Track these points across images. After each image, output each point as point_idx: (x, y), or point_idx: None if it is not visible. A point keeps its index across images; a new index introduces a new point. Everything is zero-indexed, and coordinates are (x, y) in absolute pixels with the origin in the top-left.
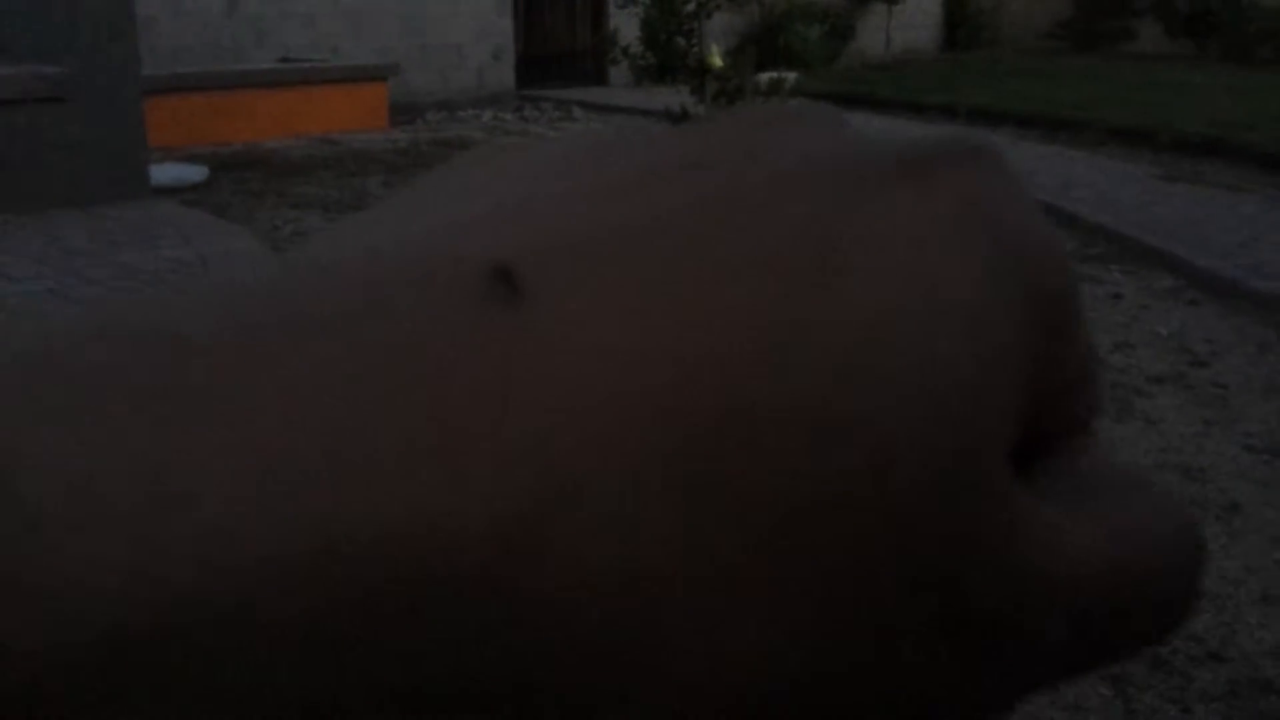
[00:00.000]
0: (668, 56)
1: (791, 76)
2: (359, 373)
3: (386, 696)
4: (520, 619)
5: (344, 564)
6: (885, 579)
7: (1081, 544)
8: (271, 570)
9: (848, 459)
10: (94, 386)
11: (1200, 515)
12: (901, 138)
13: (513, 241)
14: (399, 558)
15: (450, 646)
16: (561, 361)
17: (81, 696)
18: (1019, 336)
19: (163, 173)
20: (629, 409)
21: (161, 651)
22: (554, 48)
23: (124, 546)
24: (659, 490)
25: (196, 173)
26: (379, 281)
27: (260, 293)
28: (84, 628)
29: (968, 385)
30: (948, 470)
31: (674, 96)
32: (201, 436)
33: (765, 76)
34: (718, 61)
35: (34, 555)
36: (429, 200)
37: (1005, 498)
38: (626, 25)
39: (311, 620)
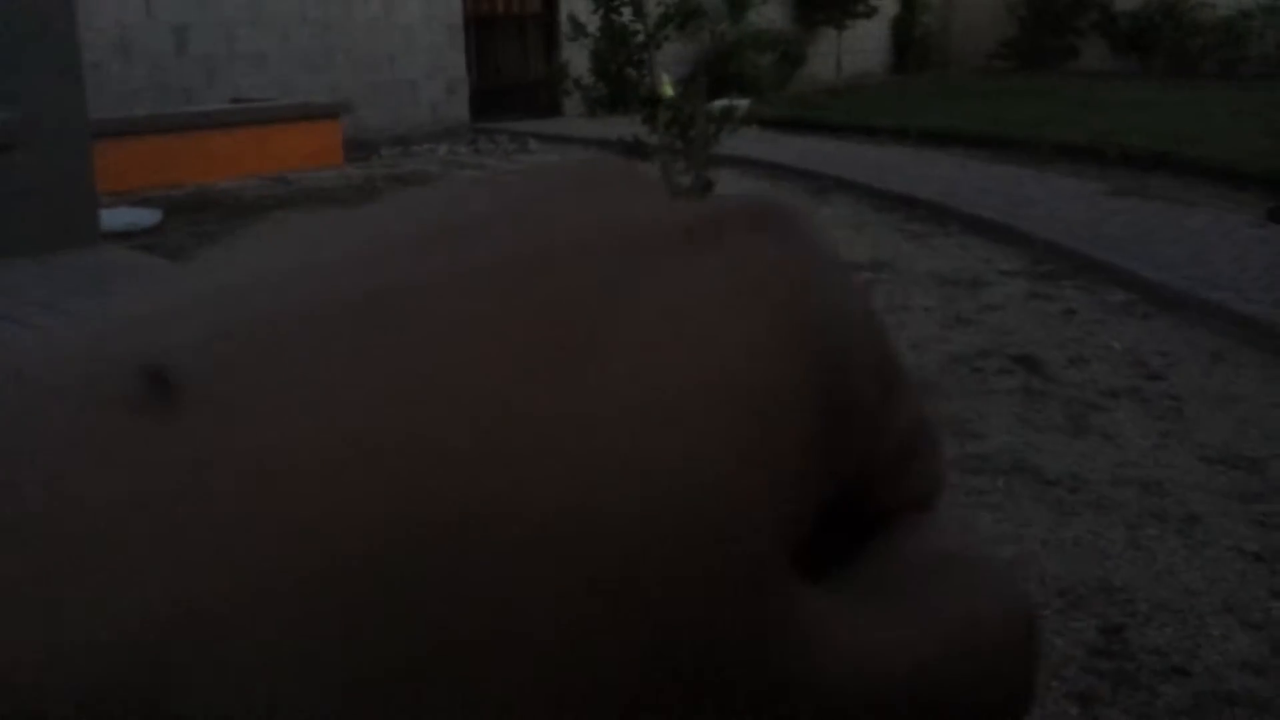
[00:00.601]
0: (619, 87)
1: (744, 103)
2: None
3: None
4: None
5: None
6: (647, 690)
7: (885, 645)
8: None
9: (581, 568)
10: None
11: (1160, 528)
12: (714, 199)
13: (183, 335)
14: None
15: None
16: (213, 474)
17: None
18: (804, 414)
19: (114, 217)
20: (284, 525)
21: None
22: (507, 80)
23: None
24: (316, 622)
25: (149, 216)
26: (37, 388)
27: None
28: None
29: (730, 477)
30: (707, 574)
31: (628, 126)
32: None
33: (718, 104)
34: (669, 91)
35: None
36: (136, 294)
37: (779, 599)
38: (578, 57)
39: None
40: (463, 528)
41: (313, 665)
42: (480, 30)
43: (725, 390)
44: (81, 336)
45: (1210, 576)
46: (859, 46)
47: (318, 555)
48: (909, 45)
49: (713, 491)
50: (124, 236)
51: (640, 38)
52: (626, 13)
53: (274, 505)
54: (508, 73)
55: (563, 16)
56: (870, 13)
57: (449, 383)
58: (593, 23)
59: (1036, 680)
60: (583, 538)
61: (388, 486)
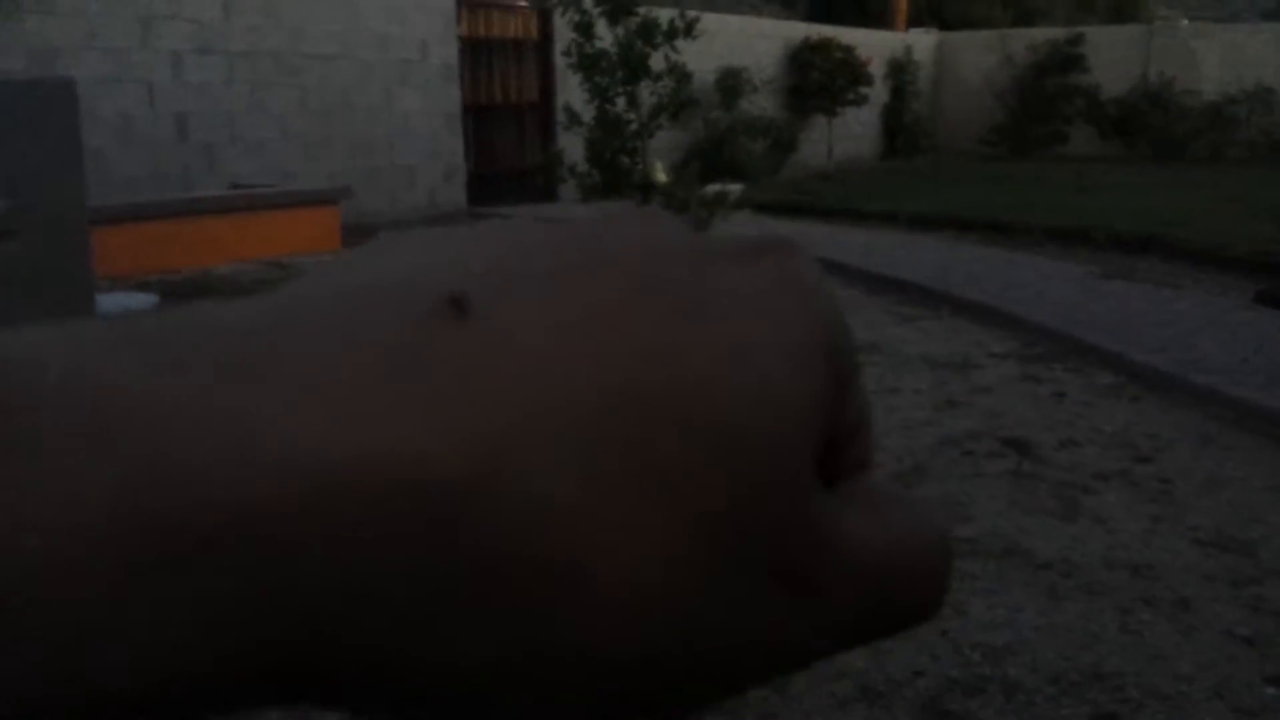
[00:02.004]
0: (613, 174)
1: (736, 188)
2: (367, 360)
3: (401, 579)
4: (480, 523)
5: (370, 476)
6: (737, 532)
7: (863, 534)
8: (325, 481)
9: (709, 441)
10: (197, 360)
11: (1151, 613)
12: (729, 233)
13: (462, 278)
14: (399, 478)
15: (430, 540)
16: (505, 358)
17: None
18: (825, 377)
19: (110, 303)
20: (553, 392)
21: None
22: (504, 166)
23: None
24: (576, 449)
25: (145, 301)
26: (360, 304)
27: (275, 310)
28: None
29: (795, 402)
30: (779, 460)
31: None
32: (268, 391)
33: (711, 189)
34: (662, 178)
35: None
36: (383, 255)
37: (811, 491)
38: (573, 145)
39: (344, 523)
40: (646, 406)
41: (576, 478)
42: (478, 118)
43: (789, 346)
44: (376, 274)
45: (1201, 662)
46: (850, 133)
47: (585, 410)
48: (899, 132)
49: (791, 407)
50: None
51: (634, 126)
52: (620, 103)
53: (551, 377)
54: (504, 159)
55: (559, 105)
56: (861, 100)
57: (627, 322)
58: (588, 112)
59: (949, 587)
60: (711, 423)
61: (609, 377)
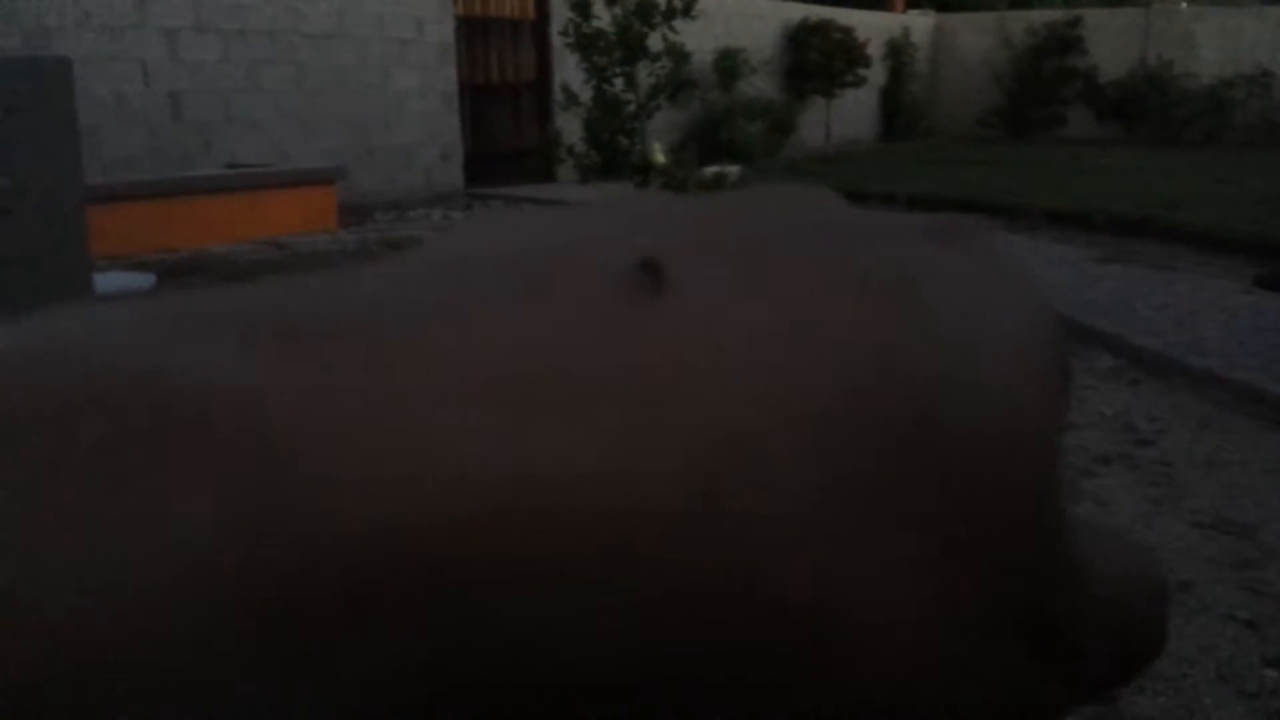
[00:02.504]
0: (611, 155)
1: (735, 169)
2: (550, 343)
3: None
4: (705, 548)
5: (561, 495)
6: (997, 568)
7: (1100, 570)
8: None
9: (964, 457)
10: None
11: None
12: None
13: (651, 244)
14: (596, 503)
15: (643, 569)
16: (722, 342)
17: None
18: (1058, 379)
19: (107, 282)
20: (788, 388)
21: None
22: (501, 147)
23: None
24: (819, 462)
25: (143, 281)
26: (541, 270)
27: (416, 280)
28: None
29: (1043, 410)
30: (1037, 481)
31: (620, 192)
32: (428, 385)
33: (709, 170)
34: (660, 158)
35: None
36: (513, 225)
37: (1065, 517)
38: (571, 125)
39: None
40: (868, 408)
41: (845, 482)
42: (475, 98)
43: (1025, 345)
44: (565, 234)
45: (1203, 645)
46: (848, 114)
47: (804, 408)
48: (897, 114)
49: (1033, 421)
50: None
51: (632, 107)
52: (618, 83)
53: (767, 367)
54: (502, 139)
55: (556, 85)
56: (859, 82)
57: (846, 303)
58: (585, 92)
59: (1166, 642)
60: (943, 427)
61: (854, 368)
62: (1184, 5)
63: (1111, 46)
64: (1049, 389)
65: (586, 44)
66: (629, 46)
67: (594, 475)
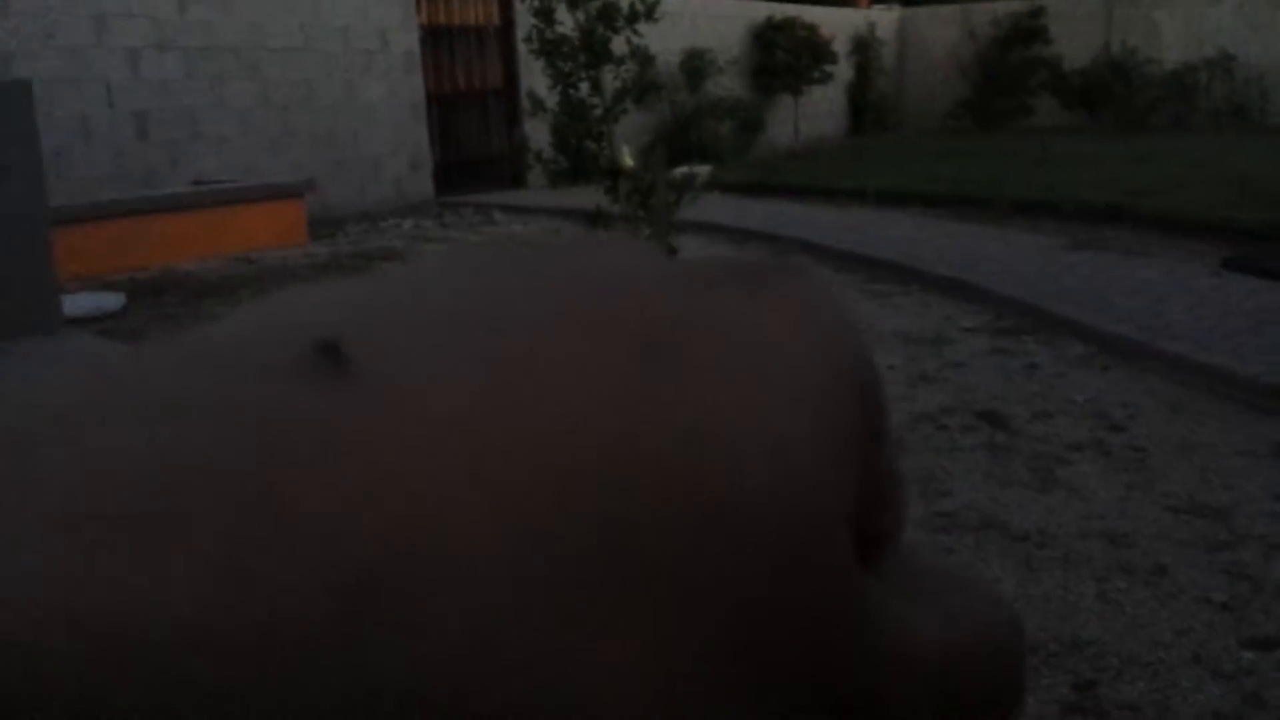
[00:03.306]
0: (580, 160)
1: (705, 169)
2: (183, 447)
3: None
4: (367, 666)
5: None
6: (766, 639)
7: (919, 625)
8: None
9: (709, 518)
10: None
11: (1128, 580)
12: (719, 258)
13: (341, 321)
14: (231, 628)
15: (309, 689)
16: (391, 427)
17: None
18: (854, 430)
19: (77, 303)
20: (477, 468)
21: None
22: (470, 154)
23: None
24: (502, 546)
25: (112, 300)
26: (220, 361)
27: (116, 377)
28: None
29: (822, 465)
30: (809, 540)
31: (590, 196)
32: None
33: (679, 171)
34: (629, 162)
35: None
36: (279, 302)
37: (853, 576)
38: (539, 131)
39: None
40: (602, 479)
41: (504, 584)
42: (443, 106)
43: (799, 390)
44: (255, 319)
45: (1179, 628)
46: (816, 111)
47: (507, 486)
48: (865, 109)
49: (807, 476)
50: (88, 321)
51: (598, 111)
52: (584, 88)
53: (456, 450)
54: (471, 147)
55: (523, 92)
56: (826, 79)
57: (571, 369)
58: (552, 98)
59: (1025, 679)
60: (687, 494)
61: (571, 435)
62: None
63: (1075, 35)
64: (833, 447)
65: (551, 50)
66: (593, 51)
67: (196, 605)
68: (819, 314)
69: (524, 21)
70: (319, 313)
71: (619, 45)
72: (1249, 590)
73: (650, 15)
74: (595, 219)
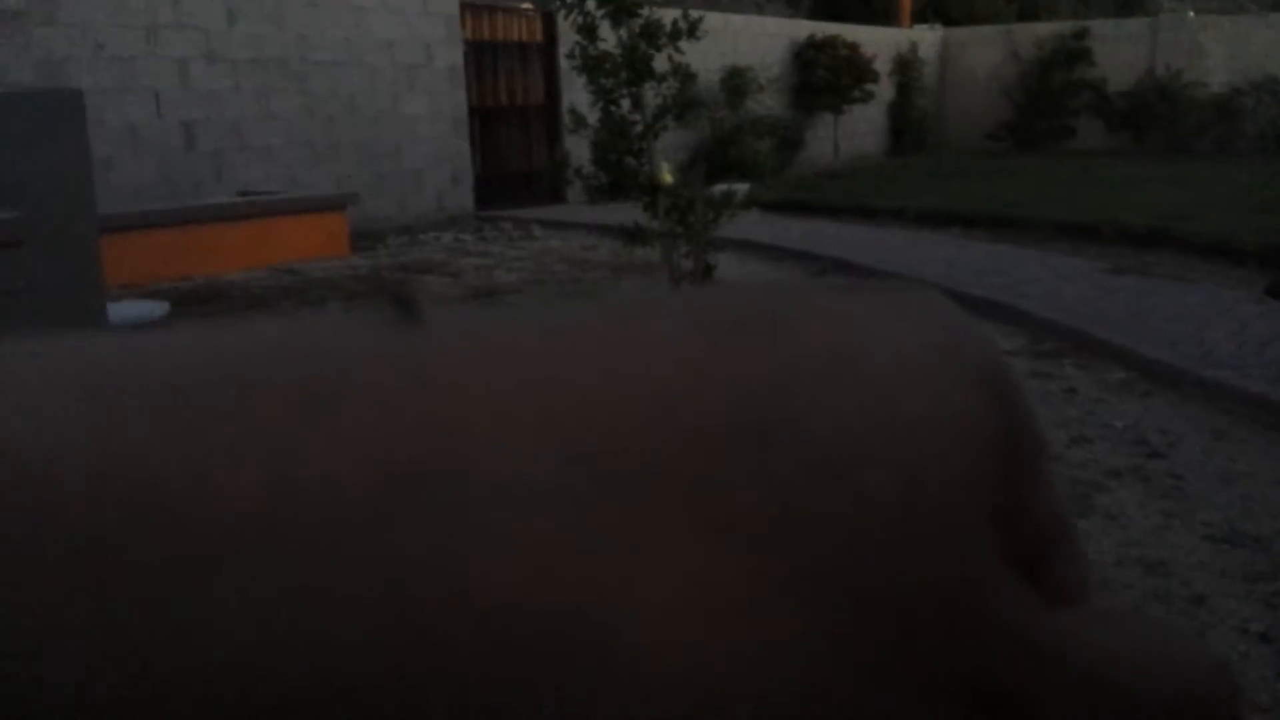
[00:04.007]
0: (619, 175)
1: (743, 187)
2: (300, 383)
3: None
4: (406, 556)
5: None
6: (879, 621)
7: (1106, 647)
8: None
9: (742, 452)
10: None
11: (1165, 609)
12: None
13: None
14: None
15: (341, 574)
16: (451, 357)
17: None
18: (980, 425)
19: (121, 311)
20: (514, 395)
21: None
22: (511, 169)
23: None
24: (548, 466)
25: (157, 309)
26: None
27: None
28: None
29: (952, 467)
30: (933, 533)
31: (629, 212)
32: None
33: (718, 188)
34: (668, 178)
35: None
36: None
37: (1000, 584)
38: (579, 146)
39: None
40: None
41: (558, 507)
42: (485, 121)
43: (939, 408)
44: None
45: None
46: (856, 130)
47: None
48: (905, 128)
49: (942, 459)
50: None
51: (639, 128)
52: (625, 104)
53: (506, 377)
54: (512, 162)
55: (565, 108)
56: (867, 97)
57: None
58: (593, 114)
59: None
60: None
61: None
62: (1191, 14)
63: (1119, 57)
64: (953, 439)
65: (593, 66)
66: (635, 68)
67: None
68: (940, 317)
69: (567, 38)
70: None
71: (661, 63)
72: None
73: (693, 33)
74: (634, 235)
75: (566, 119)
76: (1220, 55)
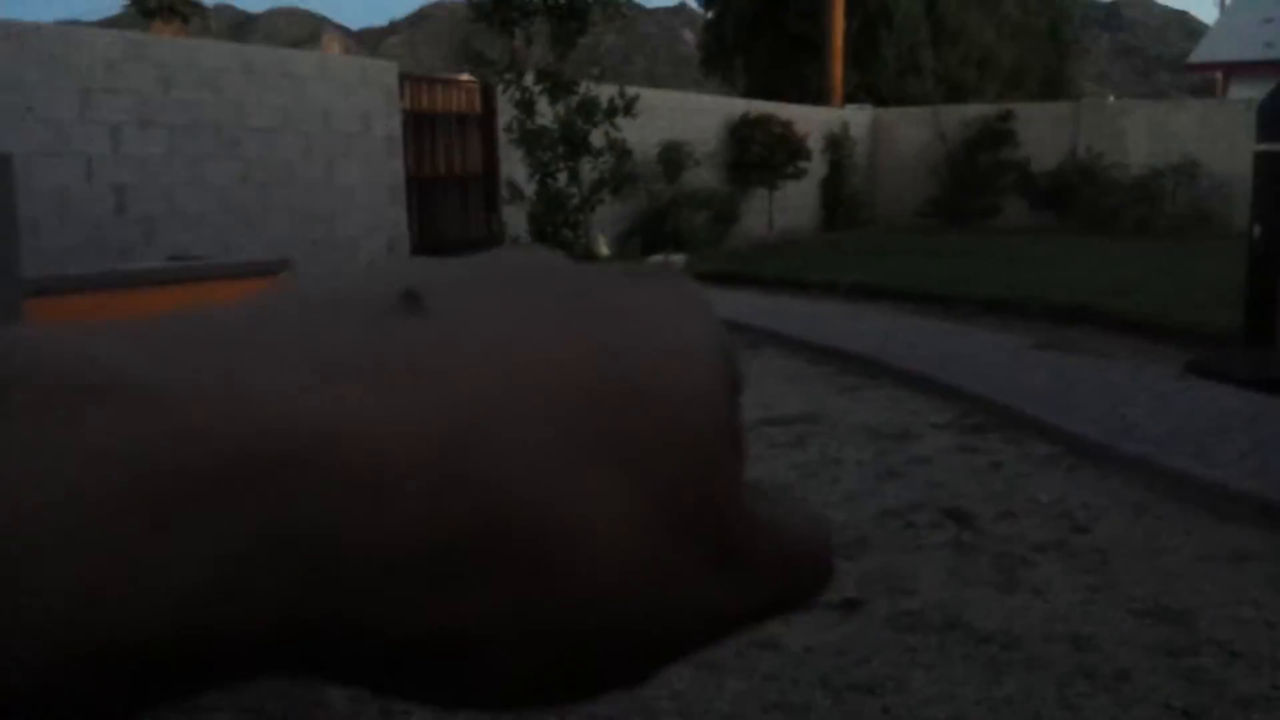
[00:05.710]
0: (556, 247)
1: (679, 259)
2: (330, 350)
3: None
4: (446, 493)
5: (325, 450)
6: (690, 505)
7: (774, 517)
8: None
9: (661, 422)
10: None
11: (1090, 685)
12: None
13: (419, 280)
14: (346, 457)
15: (396, 507)
16: (457, 345)
17: None
18: (728, 379)
19: None
20: (512, 373)
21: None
22: (448, 238)
23: None
24: (541, 425)
25: None
26: (324, 307)
27: (254, 313)
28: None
29: (718, 396)
30: (717, 443)
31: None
32: (251, 371)
33: (654, 260)
34: (604, 251)
35: None
36: (338, 275)
37: (732, 458)
38: (516, 218)
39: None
40: (584, 391)
41: (564, 440)
42: (422, 190)
43: (701, 352)
44: (335, 286)
45: None
46: (790, 205)
47: (533, 387)
48: (838, 204)
49: (711, 402)
50: None
51: (575, 201)
52: (562, 178)
53: (502, 362)
54: (449, 231)
55: (503, 178)
56: (800, 174)
57: (574, 314)
58: (531, 186)
59: (833, 575)
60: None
61: (567, 360)
62: (1111, 99)
63: (1043, 139)
64: (716, 378)
65: (530, 140)
66: (572, 143)
67: (340, 437)
68: (697, 299)
69: (506, 110)
70: (401, 276)
71: (598, 138)
72: (1210, 697)
73: (629, 111)
74: None
75: (504, 190)
76: (1140, 138)
